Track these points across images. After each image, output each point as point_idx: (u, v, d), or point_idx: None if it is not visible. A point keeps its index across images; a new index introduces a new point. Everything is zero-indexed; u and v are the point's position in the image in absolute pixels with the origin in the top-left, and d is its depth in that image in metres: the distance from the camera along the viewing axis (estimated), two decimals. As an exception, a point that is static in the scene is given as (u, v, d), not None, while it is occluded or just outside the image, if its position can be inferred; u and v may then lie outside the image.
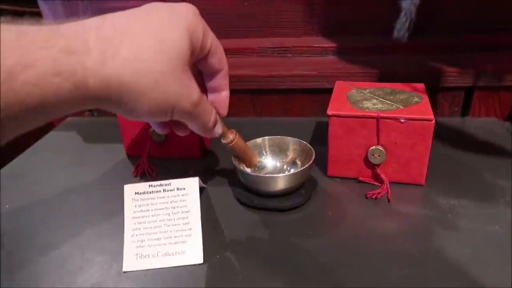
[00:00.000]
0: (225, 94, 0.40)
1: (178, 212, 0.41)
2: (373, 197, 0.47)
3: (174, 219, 0.41)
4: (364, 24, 0.74)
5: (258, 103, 0.71)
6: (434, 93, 0.65)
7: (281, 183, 0.45)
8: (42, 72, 0.22)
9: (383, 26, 0.71)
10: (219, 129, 0.39)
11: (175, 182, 0.43)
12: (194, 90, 0.31)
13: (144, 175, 0.54)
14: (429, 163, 0.47)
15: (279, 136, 0.51)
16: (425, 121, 0.45)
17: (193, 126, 0.36)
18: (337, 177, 0.51)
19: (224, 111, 0.40)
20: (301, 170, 0.45)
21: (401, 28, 0.71)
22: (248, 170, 0.48)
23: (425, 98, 0.50)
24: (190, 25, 0.30)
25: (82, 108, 0.26)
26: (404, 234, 0.42)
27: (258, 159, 0.49)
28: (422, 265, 0.37)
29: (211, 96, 0.39)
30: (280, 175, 0.44)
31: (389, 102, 0.49)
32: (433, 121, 0.45)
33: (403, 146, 0.47)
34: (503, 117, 0.66)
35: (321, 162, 0.51)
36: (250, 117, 0.72)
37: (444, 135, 0.60)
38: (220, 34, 0.71)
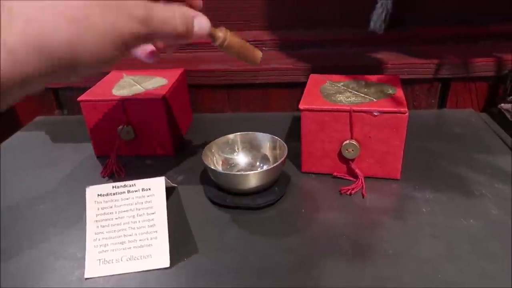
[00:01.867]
0: None
1: (143, 214, 0.40)
2: (348, 192, 0.46)
3: (139, 222, 0.39)
4: (341, 16, 0.72)
5: (233, 98, 0.69)
6: (410, 85, 0.64)
7: (253, 181, 0.43)
8: None
9: (360, 18, 0.70)
10: (202, 26, 0.30)
11: (140, 183, 0.41)
12: (134, 6, 0.25)
13: (113, 175, 0.52)
14: (405, 156, 0.46)
15: (251, 132, 0.49)
16: (398, 114, 0.44)
17: (166, 41, 0.31)
18: (311, 173, 0.50)
19: (198, 3, 0.32)
20: (273, 167, 0.43)
21: (377, 19, 0.70)
22: (220, 168, 0.46)
23: (399, 90, 0.49)
24: None
25: (6, 98, 0.22)
26: (378, 230, 0.41)
27: (229, 156, 0.47)
28: (396, 262, 0.36)
29: None
30: (251, 172, 0.43)
31: (362, 95, 0.48)
32: (407, 113, 0.44)
33: (377, 139, 0.45)
34: (480, 109, 0.65)
35: (296, 158, 0.50)
36: (225, 113, 0.70)
37: (421, 128, 0.59)
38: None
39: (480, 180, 0.47)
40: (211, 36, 0.33)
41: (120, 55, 0.25)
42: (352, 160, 0.47)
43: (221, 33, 0.34)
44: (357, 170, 0.47)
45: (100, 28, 0.23)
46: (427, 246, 0.38)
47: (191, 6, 0.31)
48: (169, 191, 0.47)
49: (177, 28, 0.28)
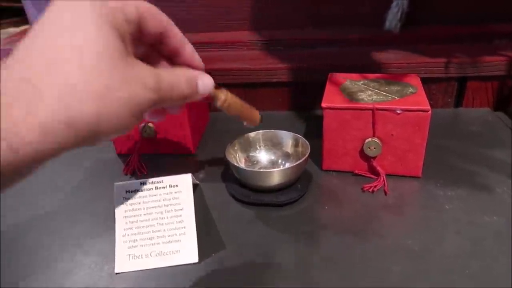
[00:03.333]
0: (188, 49, 0.33)
1: (171, 210, 0.40)
2: (370, 190, 0.46)
3: (167, 218, 0.40)
4: (357, 15, 0.73)
5: (249, 96, 0.70)
6: (427, 83, 0.64)
7: (276, 178, 0.44)
8: None
9: (375, 17, 0.70)
10: (205, 85, 0.32)
11: (167, 179, 0.42)
12: (146, 76, 0.27)
13: (134, 173, 0.53)
14: (427, 154, 0.47)
15: (272, 130, 0.50)
16: (421, 112, 0.44)
17: (176, 103, 0.31)
18: (332, 171, 0.50)
19: (199, 63, 0.34)
20: (296, 164, 0.44)
21: (392, 19, 0.70)
22: (243, 165, 0.47)
23: (420, 89, 0.49)
24: (99, 10, 0.25)
25: (34, 168, 0.23)
26: (402, 227, 0.41)
27: (252, 154, 0.48)
28: (422, 259, 0.37)
29: (176, 60, 0.33)
30: (275, 169, 0.43)
31: (384, 93, 0.48)
32: (430, 111, 0.44)
33: (399, 137, 0.46)
34: (497, 107, 0.65)
35: (316, 155, 0.50)
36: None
37: (439, 126, 0.59)
38: (209, 27, 0.70)
39: (499, 177, 0.47)
40: (213, 96, 0.35)
41: (136, 122, 0.27)
42: (374, 158, 0.47)
43: (223, 95, 0.36)
44: (378, 168, 0.47)
45: (120, 100, 0.25)
46: (452, 242, 0.38)
47: (193, 67, 0.33)
48: (193, 188, 0.48)
49: (183, 91, 0.30)
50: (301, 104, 0.68)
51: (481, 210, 0.42)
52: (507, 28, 0.69)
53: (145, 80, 0.26)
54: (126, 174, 0.53)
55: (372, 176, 0.48)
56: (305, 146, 0.47)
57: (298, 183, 0.46)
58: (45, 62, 0.22)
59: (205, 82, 0.32)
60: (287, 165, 0.48)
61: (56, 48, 0.23)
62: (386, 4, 0.69)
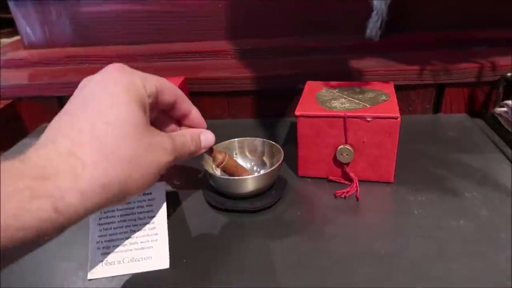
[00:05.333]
0: (194, 112, 0.39)
1: (145, 217, 0.41)
2: (342, 196, 0.47)
3: (140, 225, 0.41)
4: (339, 24, 0.74)
5: (232, 105, 0.71)
6: (406, 90, 0.66)
7: (250, 185, 0.45)
8: (20, 201, 0.23)
9: (357, 25, 0.72)
10: (208, 141, 0.39)
11: (142, 187, 0.42)
12: (165, 141, 0.32)
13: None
14: (400, 160, 0.48)
15: (249, 138, 0.51)
16: (390, 119, 0.45)
17: (184, 159, 0.36)
18: (308, 177, 0.51)
19: (203, 124, 0.40)
20: (270, 171, 0.45)
21: (373, 27, 0.71)
22: (218, 173, 0.48)
23: (393, 96, 0.50)
24: (127, 89, 0.30)
25: (71, 225, 0.26)
26: (371, 231, 0.42)
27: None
28: (388, 263, 0.38)
29: (184, 122, 0.39)
30: (248, 177, 0.44)
31: (356, 101, 0.50)
32: (399, 118, 0.45)
33: (370, 144, 0.47)
34: (474, 113, 0.66)
35: (294, 162, 0.51)
36: (225, 119, 0.72)
37: (416, 132, 0.61)
38: (194, 36, 0.71)
39: (469, 182, 0.48)
40: (212, 156, 0.43)
41: (156, 180, 0.32)
42: (347, 164, 0.48)
43: (221, 156, 0.43)
44: (351, 174, 0.48)
45: (146, 164, 0.30)
46: (418, 246, 0.39)
47: (199, 127, 0.40)
48: (170, 195, 0.49)
49: (190, 148, 0.36)
50: (282, 112, 0.70)
51: (449, 215, 0.43)
52: (486, 35, 0.70)
53: (164, 145, 0.32)
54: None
55: (346, 182, 0.49)
56: (279, 153, 0.48)
57: (273, 190, 0.47)
58: (87, 137, 0.27)
59: (207, 137, 0.39)
60: (262, 172, 0.49)
61: (95, 126, 0.28)
62: (367, 12, 0.70)
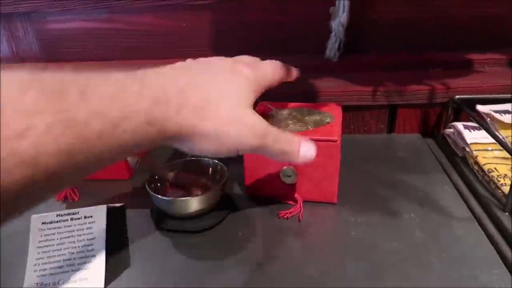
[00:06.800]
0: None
1: (84, 239, 0.42)
2: (285, 216, 0.48)
3: (78, 247, 0.41)
4: (299, 43, 0.76)
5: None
6: (360, 110, 0.67)
7: (191, 206, 0.45)
8: (138, 122, 0.26)
9: (317, 46, 0.73)
10: (308, 152, 0.38)
11: (83, 211, 0.43)
12: (257, 125, 0.34)
13: (66, 199, 0.54)
14: (347, 180, 0.49)
15: (196, 158, 0.52)
16: (330, 142, 0.46)
17: (274, 157, 0.37)
18: (257, 196, 0.52)
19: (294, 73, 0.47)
20: (211, 192, 0.46)
21: (331, 47, 0.73)
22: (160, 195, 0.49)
23: (338, 119, 0.52)
24: (248, 78, 0.35)
25: (154, 146, 0.29)
26: (307, 252, 0.43)
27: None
28: (320, 284, 0.39)
29: None
30: (189, 198, 0.45)
31: (302, 123, 0.51)
32: (338, 141, 0.46)
33: (313, 166, 0.48)
34: (427, 134, 0.68)
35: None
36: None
37: (368, 152, 0.62)
38: (160, 54, 0.72)
39: (410, 203, 0.49)
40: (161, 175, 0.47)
41: (230, 155, 0.34)
42: (292, 185, 0.50)
43: (170, 174, 0.47)
44: (296, 195, 0.49)
45: (224, 140, 0.32)
46: (350, 268, 0.40)
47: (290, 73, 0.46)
48: (117, 213, 0.49)
49: (283, 148, 0.36)
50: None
51: (385, 236, 0.44)
52: (441, 57, 0.72)
53: (255, 129, 0.33)
54: (58, 200, 0.54)
55: (291, 202, 0.50)
56: (224, 173, 0.49)
57: (217, 210, 0.48)
58: (197, 85, 0.31)
59: (310, 148, 0.38)
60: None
61: (210, 81, 0.33)
62: (327, 33, 0.72)
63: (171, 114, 0.28)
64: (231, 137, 0.32)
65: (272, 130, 0.35)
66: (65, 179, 0.24)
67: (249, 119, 0.33)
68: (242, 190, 0.54)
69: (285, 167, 0.48)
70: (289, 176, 0.49)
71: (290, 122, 0.51)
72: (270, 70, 0.40)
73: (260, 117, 0.35)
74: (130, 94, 0.26)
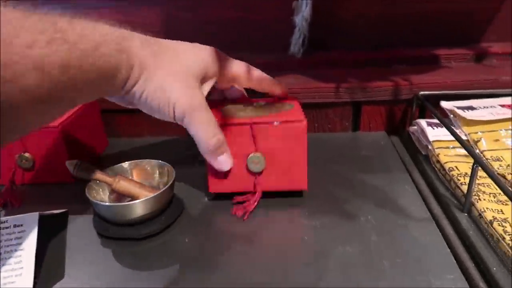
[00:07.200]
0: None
1: (11, 250, 0.38)
2: (237, 213, 0.46)
3: (5, 259, 0.38)
4: (263, 40, 0.73)
5: (153, 123, 0.69)
6: (324, 108, 0.65)
7: (133, 211, 0.42)
8: (111, 48, 0.33)
9: (282, 42, 0.71)
10: (225, 161, 0.45)
11: (12, 219, 0.40)
12: (195, 96, 0.39)
13: (6, 206, 0.51)
14: (311, 181, 0.47)
15: (142, 160, 0.49)
16: (297, 122, 0.45)
17: (194, 136, 0.41)
18: (215, 196, 0.49)
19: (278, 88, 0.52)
20: (156, 196, 0.43)
21: (295, 43, 0.71)
22: (107, 198, 0.45)
23: (297, 106, 0.50)
24: (208, 53, 0.43)
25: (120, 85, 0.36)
26: (254, 259, 0.40)
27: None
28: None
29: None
30: (129, 203, 0.42)
31: (262, 110, 0.49)
32: (305, 122, 0.44)
33: (281, 151, 0.46)
34: (393, 131, 0.66)
35: (203, 181, 0.49)
36: (144, 138, 0.70)
37: (331, 151, 0.60)
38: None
39: (368, 205, 0.47)
40: (103, 181, 0.46)
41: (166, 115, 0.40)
42: (260, 173, 0.47)
43: (111, 180, 0.45)
44: (257, 187, 0.47)
45: (169, 88, 0.39)
46: (299, 274, 0.38)
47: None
48: (56, 220, 0.46)
49: (207, 137, 0.42)
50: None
51: (337, 240, 0.42)
52: (408, 53, 0.71)
53: (192, 98, 0.39)
54: (-4, 207, 0.51)
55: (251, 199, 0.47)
56: (171, 175, 0.46)
57: (164, 215, 0.45)
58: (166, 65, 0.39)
59: (227, 160, 0.45)
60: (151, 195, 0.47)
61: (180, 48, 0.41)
62: (292, 29, 0.69)
63: (136, 49, 0.36)
64: (174, 93, 0.37)
65: (207, 114, 0.40)
66: (64, 96, 0.31)
67: (194, 87, 0.39)
68: (201, 190, 0.51)
69: (251, 154, 0.46)
70: (257, 164, 0.46)
71: (249, 110, 0.49)
72: (239, 66, 0.47)
73: (202, 92, 0.40)
74: (104, 27, 0.34)
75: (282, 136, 0.45)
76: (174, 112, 0.38)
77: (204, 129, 0.41)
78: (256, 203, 0.47)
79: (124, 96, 0.38)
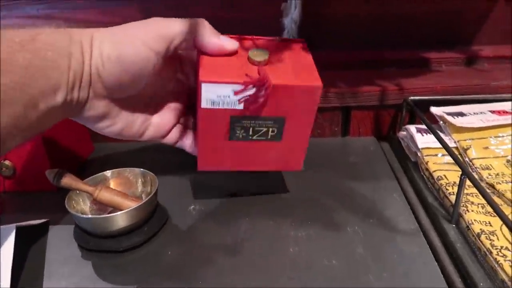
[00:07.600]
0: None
1: (-14, 264, 0.37)
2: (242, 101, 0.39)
3: (-21, 273, 0.37)
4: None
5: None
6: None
7: (116, 223, 0.41)
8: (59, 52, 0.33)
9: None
10: (229, 40, 0.44)
11: (-13, 231, 0.39)
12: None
13: (-14, 215, 0.49)
14: (293, 190, 0.46)
15: (123, 168, 0.48)
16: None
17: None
18: (200, 202, 0.48)
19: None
20: (137, 207, 0.42)
21: (285, 46, 0.70)
22: (88, 209, 0.44)
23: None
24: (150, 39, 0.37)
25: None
26: (236, 272, 0.39)
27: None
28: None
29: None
30: (108, 215, 0.41)
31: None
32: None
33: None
34: (383, 137, 0.65)
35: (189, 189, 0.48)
36: (128, 143, 0.68)
37: (320, 157, 0.59)
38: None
39: (355, 215, 0.47)
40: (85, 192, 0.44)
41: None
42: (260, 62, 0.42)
43: (92, 190, 0.43)
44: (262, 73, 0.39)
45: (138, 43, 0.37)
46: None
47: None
48: (35, 232, 0.45)
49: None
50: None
51: (324, 253, 0.41)
52: (397, 55, 0.70)
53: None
54: (-24, 217, 0.49)
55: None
56: (154, 184, 0.45)
57: (148, 225, 0.44)
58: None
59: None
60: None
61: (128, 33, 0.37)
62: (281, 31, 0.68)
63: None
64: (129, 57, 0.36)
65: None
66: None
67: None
68: (185, 197, 0.50)
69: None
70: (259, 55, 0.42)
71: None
72: (178, 23, 0.39)
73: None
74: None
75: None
76: (141, 75, 0.37)
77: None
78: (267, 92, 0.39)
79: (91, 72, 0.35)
